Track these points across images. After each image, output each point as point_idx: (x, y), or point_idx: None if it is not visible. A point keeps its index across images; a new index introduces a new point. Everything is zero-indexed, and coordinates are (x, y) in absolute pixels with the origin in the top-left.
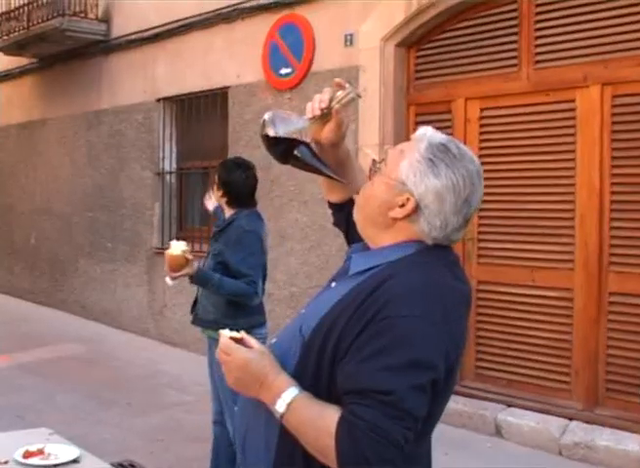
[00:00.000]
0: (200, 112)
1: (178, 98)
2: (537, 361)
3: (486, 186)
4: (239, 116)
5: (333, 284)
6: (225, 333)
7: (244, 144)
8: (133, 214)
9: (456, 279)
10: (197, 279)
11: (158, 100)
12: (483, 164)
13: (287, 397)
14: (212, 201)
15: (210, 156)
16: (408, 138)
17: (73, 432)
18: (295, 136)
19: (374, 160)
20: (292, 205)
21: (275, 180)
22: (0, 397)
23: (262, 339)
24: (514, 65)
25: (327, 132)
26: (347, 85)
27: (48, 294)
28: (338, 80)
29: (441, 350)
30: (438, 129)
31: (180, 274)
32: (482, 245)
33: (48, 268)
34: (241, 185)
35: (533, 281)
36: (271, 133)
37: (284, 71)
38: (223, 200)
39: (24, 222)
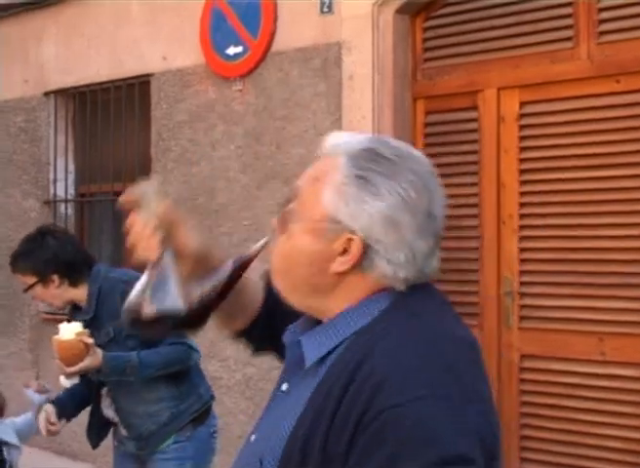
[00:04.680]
0: (110, 112)
1: (76, 92)
2: None
3: (533, 216)
4: (167, 116)
5: (284, 386)
6: None
7: (174, 158)
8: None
9: (458, 325)
10: (109, 367)
11: (47, 94)
12: (525, 183)
13: None
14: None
15: (125, 176)
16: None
17: None
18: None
19: (283, 204)
20: (246, 246)
21: (222, 211)
22: None
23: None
24: (568, 39)
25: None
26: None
27: None
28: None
29: (472, 435)
30: (459, 132)
31: (79, 368)
32: (526, 301)
33: None
34: (68, 250)
35: (602, 354)
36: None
37: (233, 51)
38: (63, 288)
39: None
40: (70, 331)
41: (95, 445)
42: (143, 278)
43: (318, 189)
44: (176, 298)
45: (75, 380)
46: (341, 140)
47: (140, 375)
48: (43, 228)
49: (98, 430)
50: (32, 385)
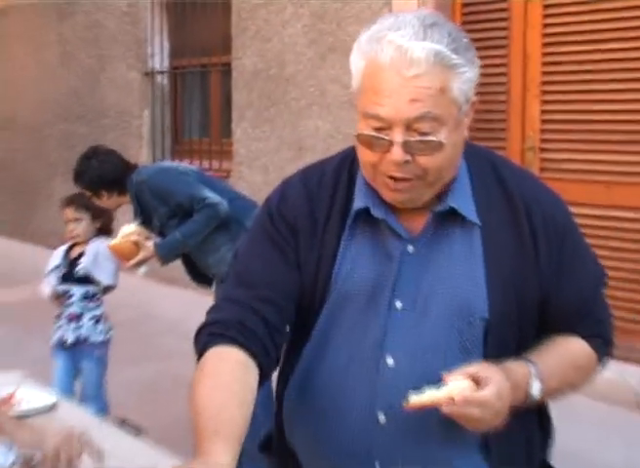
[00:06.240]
0: None
1: None
2: (615, 298)
3: (553, 82)
4: (246, 0)
5: (410, 248)
6: (459, 386)
7: (252, 36)
8: (117, 124)
9: None
10: (163, 255)
11: None
12: (548, 55)
13: (533, 376)
14: None
15: (209, 51)
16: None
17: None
18: None
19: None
20: (312, 110)
21: (291, 80)
22: None
23: None
24: None
25: None
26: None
27: (15, 225)
28: None
29: None
30: (491, 11)
31: (135, 261)
32: (545, 155)
33: (13, 193)
34: (109, 169)
35: (609, 199)
36: None
37: None
38: (114, 199)
39: None
40: (120, 234)
41: (197, 284)
42: None
43: (448, 94)
44: None
45: (145, 269)
46: (422, 49)
47: (192, 244)
48: (89, 151)
49: (195, 275)
50: None
